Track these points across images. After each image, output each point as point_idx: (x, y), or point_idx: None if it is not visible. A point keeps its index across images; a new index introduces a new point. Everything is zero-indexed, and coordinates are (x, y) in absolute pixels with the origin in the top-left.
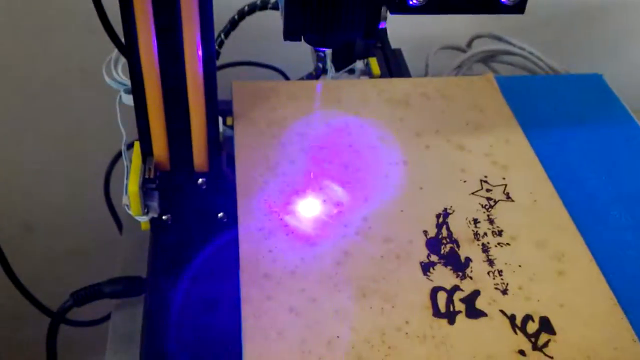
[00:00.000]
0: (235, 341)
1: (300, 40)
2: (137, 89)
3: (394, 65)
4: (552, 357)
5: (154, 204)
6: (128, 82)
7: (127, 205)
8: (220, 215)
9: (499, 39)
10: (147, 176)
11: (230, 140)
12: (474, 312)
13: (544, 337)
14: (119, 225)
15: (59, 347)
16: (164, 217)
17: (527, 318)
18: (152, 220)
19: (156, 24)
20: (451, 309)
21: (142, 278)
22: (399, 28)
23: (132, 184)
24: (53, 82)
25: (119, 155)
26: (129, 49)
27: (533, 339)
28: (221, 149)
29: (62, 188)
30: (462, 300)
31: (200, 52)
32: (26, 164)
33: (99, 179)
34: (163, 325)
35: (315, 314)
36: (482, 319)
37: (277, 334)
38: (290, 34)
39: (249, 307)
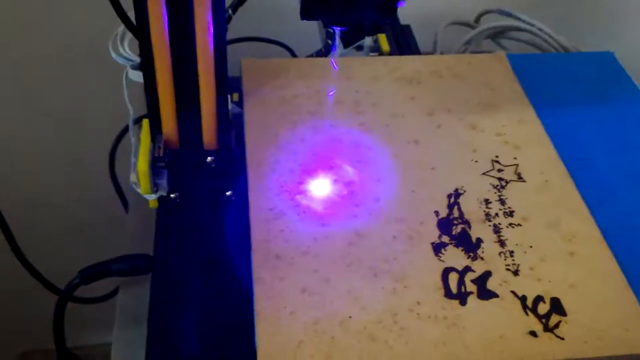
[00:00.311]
0: (247, 321)
1: (317, 19)
2: (147, 66)
3: (403, 42)
4: (563, 338)
5: (163, 182)
6: (135, 58)
7: (135, 184)
8: (228, 193)
9: (508, 14)
10: (156, 154)
11: (237, 117)
12: (485, 293)
13: (555, 319)
14: (124, 203)
15: (65, 325)
16: (172, 195)
17: (539, 299)
18: (160, 199)
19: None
20: (463, 290)
21: (150, 256)
22: (407, 3)
23: (142, 163)
24: (57, 56)
25: (123, 131)
26: (140, 26)
27: (544, 320)
28: (230, 127)
29: (65, 165)
30: (473, 281)
31: (211, 28)
32: (29, 140)
33: (104, 155)
34: (171, 304)
35: (327, 294)
36: (494, 300)
37: (289, 314)
38: (307, 13)
39: (262, 287)
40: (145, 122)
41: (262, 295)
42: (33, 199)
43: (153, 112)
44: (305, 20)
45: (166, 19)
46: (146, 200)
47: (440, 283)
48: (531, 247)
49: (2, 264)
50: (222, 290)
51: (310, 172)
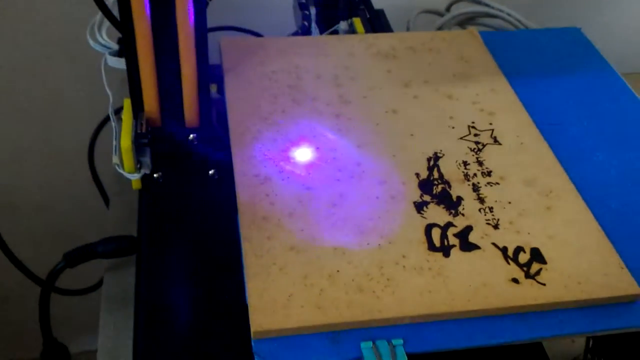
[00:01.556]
0: (237, 293)
1: None
2: (129, 46)
3: (377, 25)
4: (544, 284)
5: (146, 159)
6: (113, 45)
7: (118, 165)
8: (211, 172)
9: (477, 2)
10: (139, 131)
11: (217, 102)
12: (467, 246)
13: (535, 266)
14: (104, 197)
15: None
16: (155, 175)
17: (519, 249)
18: (143, 179)
19: None
20: (446, 243)
21: (134, 237)
22: None
23: (125, 140)
24: (28, 52)
25: (103, 122)
26: (122, 8)
27: (525, 268)
28: (211, 104)
29: (43, 163)
30: (455, 235)
31: (191, 4)
32: (3, 140)
33: (81, 151)
34: (158, 281)
35: (315, 251)
36: (476, 252)
37: (279, 269)
38: None
39: (250, 246)
40: (127, 102)
41: (250, 253)
42: (10, 199)
43: (135, 91)
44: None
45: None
46: (127, 189)
47: (424, 238)
48: (509, 203)
49: None
50: (208, 265)
51: (292, 140)
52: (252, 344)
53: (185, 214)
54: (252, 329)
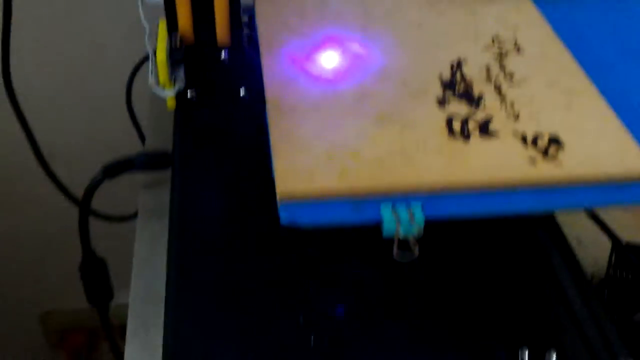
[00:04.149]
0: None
1: None
2: None
3: None
4: (561, 164)
5: (181, 73)
6: None
7: (154, 82)
8: (242, 92)
9: None
10: (173, 46)
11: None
12: (487, 133)
13: (553, 149)
14: (142, 138)
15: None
16: (189, 94)
17: (538, 136)
18: (177, 98)
19: None
20: (465, 131)
21: (169, 153)
22: None
23: (160, 53)
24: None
25: (139, 65)
26: None
27: (543, 151)
28: (242, 24)
29: (81, 109)
30: (476, 125)
31: None
32: (42, 87)
33: (119, 95)
34: (191, 194)
35: (339, 135)
36: (495, 138)
37: (305, 150)
38: None
39: (277, 131)
40: (162, 23)
41: (278, 139)
42: (49, 147)
43: (169, 10)
44: None
45: None
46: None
47: (444, 127)
48: (531, 100)
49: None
50: (239, 177)
51: (320, 47)
52: (279, 208)
53: (218, 132)
54: (278, 192)
